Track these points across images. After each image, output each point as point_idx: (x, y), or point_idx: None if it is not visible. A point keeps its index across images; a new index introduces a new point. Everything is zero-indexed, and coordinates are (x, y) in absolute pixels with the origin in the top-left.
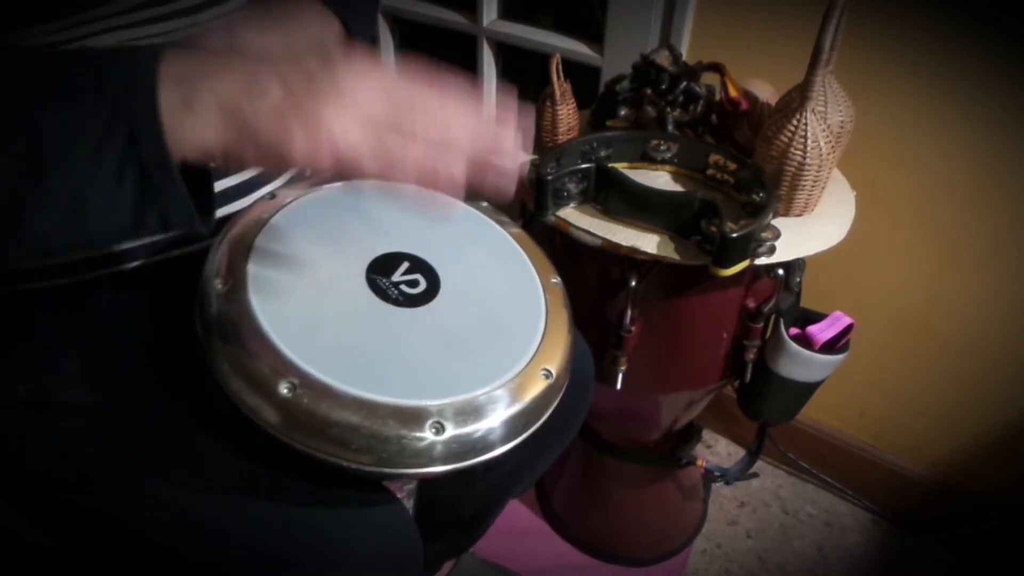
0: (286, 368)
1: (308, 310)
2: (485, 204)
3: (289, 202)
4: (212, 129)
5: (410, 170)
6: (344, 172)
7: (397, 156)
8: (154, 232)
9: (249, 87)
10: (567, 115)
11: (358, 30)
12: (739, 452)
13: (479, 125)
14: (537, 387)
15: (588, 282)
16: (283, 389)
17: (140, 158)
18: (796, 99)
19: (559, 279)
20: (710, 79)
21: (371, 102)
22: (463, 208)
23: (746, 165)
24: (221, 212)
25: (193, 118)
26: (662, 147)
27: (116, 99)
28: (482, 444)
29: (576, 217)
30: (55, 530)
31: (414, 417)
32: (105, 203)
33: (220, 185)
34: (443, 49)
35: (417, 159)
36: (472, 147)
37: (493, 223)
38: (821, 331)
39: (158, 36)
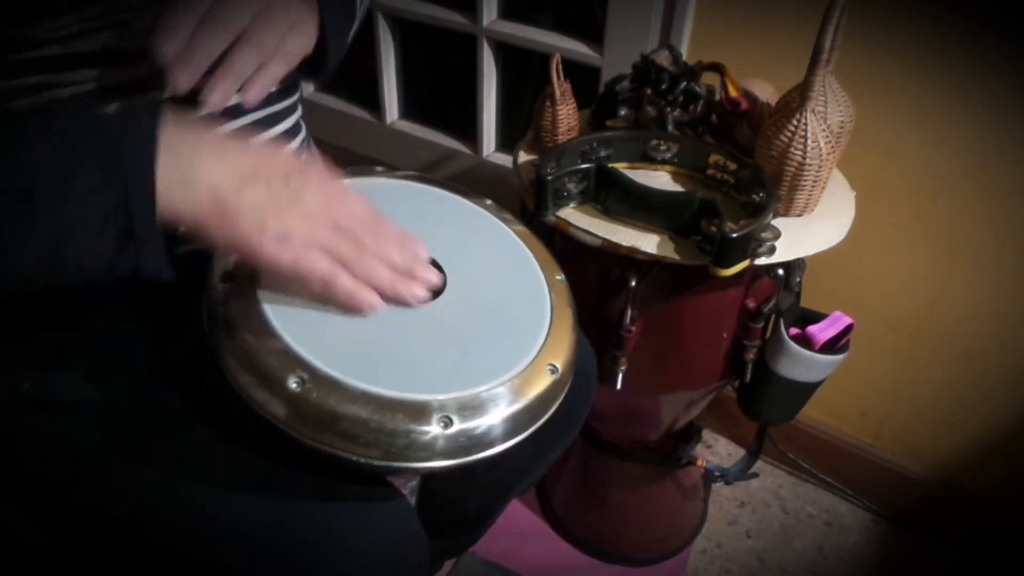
0: (295, 363)
1: (316, 305)
2: (489, 202)
3: None
4: (198, 207)
5: (347, 285)
6: (295, 277)
7: (339, 274)
8: (121, 279)
9: (239, 179)
10: (567, 115)
11: (332, 37)
12: (739, 452)
13: (403, 240)
14: (542, 383)
15: (588, 282)
16: (292, 383)
17: (130, 218)
18: (796, 99)
19: (563, 276)
20: (710, 79)
21: (331, 221)
22: (467, 207)
23: (746, 165)
24: None
25: (185, 195)
26: (662, 147)
27: (114, 160)
28: (486, 439)
29: (576, 217)
30: (55, 528)
31: (421, 411)
32: (83, 251)
33: None
34: (443, 49)
35: (352, 275)
36: (398, 259)
37: (498, 221)
38: (821, 331)
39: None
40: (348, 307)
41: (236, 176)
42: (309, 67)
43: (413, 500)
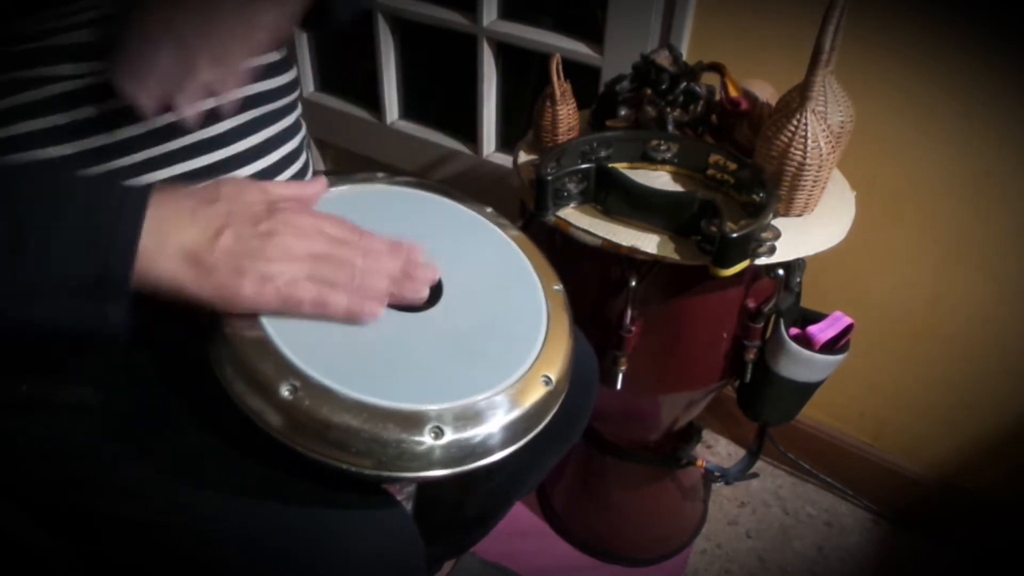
0: (288, 370)
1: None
2: (489, 209)
3: None
4: (175, 268)
5: (342, 302)
6: (286, 312)
7: (330, 294)
8: (79, 336)
9: (211, 234)
10: (567, 115)
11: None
12: (739, 452)
13: (394, 249)
14: (537, 393)
15: (588, 282)
16: (284, 391)
17: (106, 271)
18: (796, 99)
19: (561, 286)
20: (710, 79)
21: (309, 251)
22: (466, 215)
23: (746, 165)
24: None
25: (160, 260)
26: (662, 147)
27: (101, 224)
28: (481, 449)
29: (576, 217)
30: (55, 528)
31: (414, 421)
32: (53, 305)
33: None
34: (443, 49)
35: (347, 292)
36: (392, 268)
37: (497, 229)
38: (821, 331)
39: None
40: (350, 321)
41: (208, 232)
42: (315, 20)
43: (411, 504)
